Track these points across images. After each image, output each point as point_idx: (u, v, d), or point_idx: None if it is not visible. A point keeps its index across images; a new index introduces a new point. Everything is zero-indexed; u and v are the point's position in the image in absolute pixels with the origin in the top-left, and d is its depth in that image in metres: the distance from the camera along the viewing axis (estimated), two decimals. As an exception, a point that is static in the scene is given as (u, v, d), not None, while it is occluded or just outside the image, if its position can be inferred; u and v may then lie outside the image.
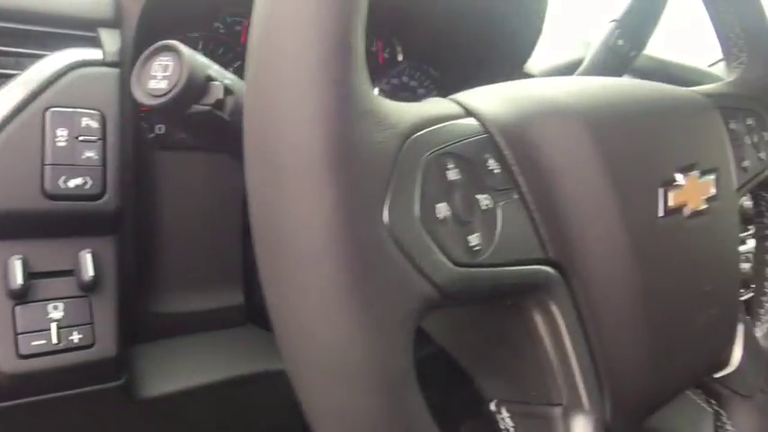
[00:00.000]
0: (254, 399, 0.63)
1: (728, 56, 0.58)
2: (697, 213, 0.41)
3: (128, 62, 0.53)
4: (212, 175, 0.61)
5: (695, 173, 0.42)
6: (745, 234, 0.98)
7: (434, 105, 0.34)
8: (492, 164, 0.32)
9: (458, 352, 0.41)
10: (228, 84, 0.36)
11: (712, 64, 1.71)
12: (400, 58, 0.87)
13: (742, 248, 0.97)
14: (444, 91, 0.89)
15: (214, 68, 0.36)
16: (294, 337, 0.26)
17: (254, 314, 0.64)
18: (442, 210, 0.29)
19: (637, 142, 0.39)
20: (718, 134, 0.48)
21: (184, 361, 0.60)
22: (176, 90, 0.33)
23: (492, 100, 0.36)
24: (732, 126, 0.51)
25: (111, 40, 0.52)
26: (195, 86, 0.34)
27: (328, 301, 0.25)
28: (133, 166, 0.54)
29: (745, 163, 0.51)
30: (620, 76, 0.73)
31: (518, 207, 0.33)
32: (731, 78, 0.57)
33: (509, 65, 0.85)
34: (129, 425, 0.59)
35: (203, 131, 0.36)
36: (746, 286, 0.92)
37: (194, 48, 0.68)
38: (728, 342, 0.48)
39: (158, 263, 0.60)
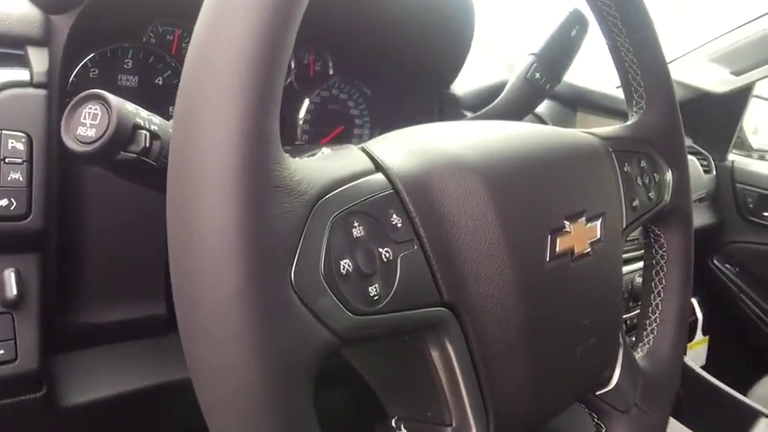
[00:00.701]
0: (175, 406, 0.65)
1: (629, 100, 0.63)
2: (581, 256, 0.46)
3: (55, 81, 0.54)
4: (136, 189, 0.63)
5: (582, 219, 0.47)
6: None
7: (346, 161, 0.37)
8: (395, 218, 0.36)
9: (367, 375, 0.45)
10: (155, 129, 0.38)
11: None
12: (331, 71, 0.90)
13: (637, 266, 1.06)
14: (374, 107, 0.94)
15: (141, 115, 0.38)
16: (208, 380, 0.29)
17: (176, 324, 0.66)
18: (345, 265, 0.32)
19: (530, 192, 0.44)
20: (610, 178, 0.54)
21: (107, 370, 0.62)
22: (104, 139, 0.35)
23: (399, 153, 0.40)
24: (626, 169, 0.57)
25: (39, 60, 0.53)
26: (122, 135, 0.36)
27: (238, 351, 0.28)
28: (59, 184, 0.55)
29: (635, 203, 0.57)
30: (535, 106, 0.78)
31: (417, 256, 0.37)
32: (630, 122, 0.62)
33: (436, 84, 0.89)
34: (51, 433, 0.60)
35: (131, 174, 0.38)
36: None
37: (124, 59, 0.70)
38: (609, 365, 0.54)
39: (83, 275, 0.61)
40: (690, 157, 1.66)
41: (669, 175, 0.62)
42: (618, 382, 0.54)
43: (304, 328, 0.30)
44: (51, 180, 0.52)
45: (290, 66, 0.86)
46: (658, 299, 0.63)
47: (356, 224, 0.34)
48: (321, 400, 0.35)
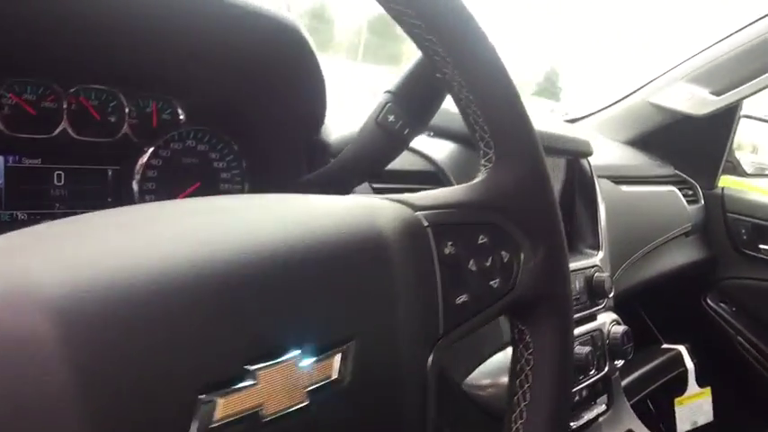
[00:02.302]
0: None
1: (479, 152, 0.48)
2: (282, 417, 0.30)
3: None
4: None
5: (292, 357, 0.31)
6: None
7: None
8: None
9: None
10: None
11: (572, 120, 1.64)
12: (182, 119, 0.76)
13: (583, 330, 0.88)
14: (242, 159, 0.79)
15: None
16: None
17: None
18: None
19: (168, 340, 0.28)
20: (410, 271, 0.38)
21: None
22: None
23: None
24: (448, 250, 0.41)
25: None
26: None
27: None
28: None
29: (463, 298, 0.41)
30: (392, 157, 0.63)
31: None
32: (474, 180, 0.47)
33: (302, 131, 0.74)
34: None
35: None
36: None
37: None
38: None
39: None
40: (670, 187, 1.49)
41: (527, 253, 0.46)
42: None
43: None
44: None
45: (124, 116, 0.72)
46: (519, 421, 0.46)
47: None
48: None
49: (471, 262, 0.43)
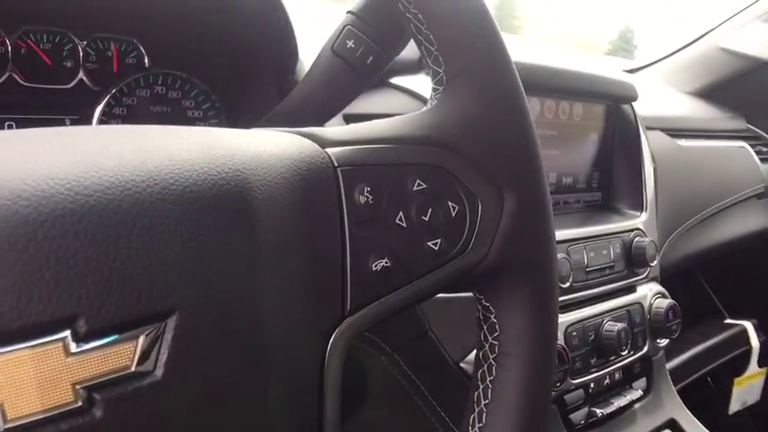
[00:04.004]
0: None
1: (431, 73, 0.37)
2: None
3: None
4: None
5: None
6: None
7: None
8: None
9: None
10: None
11: (633, 70, 1.46)
12: (148, 63, 0.68)
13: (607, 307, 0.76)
14: (217, 105, 0.71)
15: None
16: None
17: None
18: None
19: None
20: (294, 225, 0.28)
21: None
22: None
23: None
24: (362, 198, 0.31)
25: None
26: None
27: None
28: None
29: (382, 263, 0.31)
30: (353, 93, 0.52)
31: None
32: (424, 108, 0.36)
33: (273, 71, 0.65)
34: None
35: None
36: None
37: None
38: None
39: None
40: (740, 143, 1.30)
41: (489, 205, 0.35)
42: None
43: None
44: None
45: (79, 60, 0.64)
46: (478, 424, 0.36)
47: None
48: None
49: (400, 215, 0.32)
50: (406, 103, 0.65)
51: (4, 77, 0.61)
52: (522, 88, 0.37)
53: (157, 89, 0.69)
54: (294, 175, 0.30)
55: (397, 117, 0.35)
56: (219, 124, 0.71)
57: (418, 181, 0.33)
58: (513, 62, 0.36)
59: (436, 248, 0.33)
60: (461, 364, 0.65)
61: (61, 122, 0.65)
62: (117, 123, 0.67)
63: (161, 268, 0.23)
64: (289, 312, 0.28)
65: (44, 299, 0.21)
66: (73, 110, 0.65)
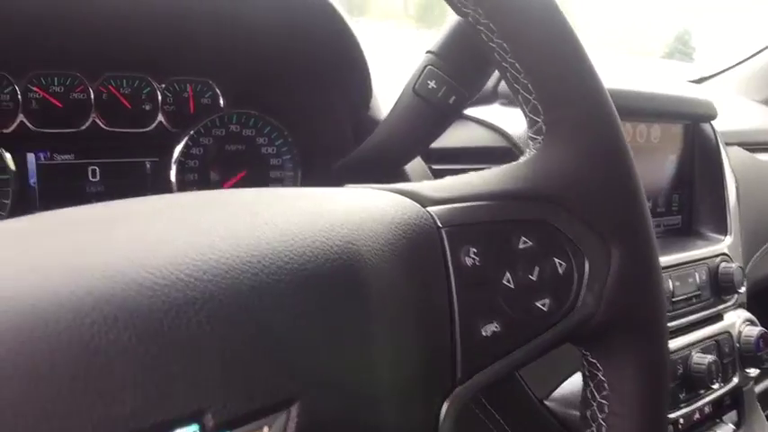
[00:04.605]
0: None
1: (527, 122, 0.36)
2: None
3: None
4: None
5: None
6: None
7: None
8: None
9: None
10: None
11: (700, 80, 1.39)
12: (222, 103, 0.69)
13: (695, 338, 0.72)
14: (293, 142, 0.71)
15: None
16: None
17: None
18: None
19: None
20: (403, 295, 0.28)
21: None
22: None
23: None
24: (469, 260, 0.30)
25: None
26: None
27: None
28: None
29: (492, 327, 0.30)
30: (436, 133, 0.51)
31: None
32: (521, 159, 0.35)
33: (348, 106, 0.65)
34: None
35: None
36: None
37: None
38: None
39: None
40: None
41: (596, 260, 0.33)
42: None
43: None
44: None
45: (157, 103, 0.66)
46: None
47: None
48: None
49: (507, 275, 0.31)
50: (483, 135, 0.64)
51: (87, 123, 0.63)
52: (624, 135, 0.35)
53: (232, 128, 0.69)
54: (400, 239, 0.29)
55: (494, 169, 0.34)
56: (293, 159, 0.72)
57: (523, 238, 0.32)
58: (614, 107, 0.35)
59: (545, 309, 0.32)
60: (546, 402, 0.63)
61: (141, 165, 0.66)
62: (194, 163, 0.68)
63: (281, 353, 0.23)
64: (402, 386, 0.27)
65: (173, 394, 0.21)
66: (152, 152, 0.66)
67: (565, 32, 0.33)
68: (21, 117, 0.60)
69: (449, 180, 0.33)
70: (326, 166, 0.69)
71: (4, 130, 0.60)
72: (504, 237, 0.32)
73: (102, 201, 0.64)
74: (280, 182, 0.72)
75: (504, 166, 0.34)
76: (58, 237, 0.23)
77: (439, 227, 0.30)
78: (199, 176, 0.68)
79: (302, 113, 0.69)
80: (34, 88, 0.61)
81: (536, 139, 0.34)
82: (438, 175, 0.63)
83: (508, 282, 0.31)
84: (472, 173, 0.34)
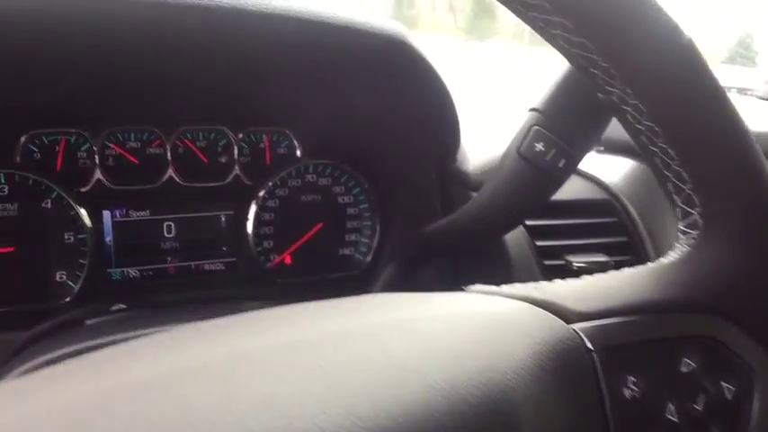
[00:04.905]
0: None
1: (674, 211, 0.31)
2: None
3: None
4: None
5: None
6: None
7: None
8: None
9: None
10: None
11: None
12: (299, 153, 0.66)
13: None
14: (370, 191, 0.68)
15: None
16: None
17: None
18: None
19: None
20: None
21: None
22: None
23: None
24: (629, 392, 0.26)
25: None
26: None
27: None
28: None
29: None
30: (543, 198, 0.46)
31: None
32: (675, 257, 0.30)
33: (434, 158, 0.61)
34: None
35: None
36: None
37: None
38: None
39: None
40: None
41: (765, 381, 0.28)
42: None
43: None
44: None
45: (233, 155, 0.63)
46: None
47: None
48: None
49: (669, 407, 0.27)
50: (578, 186, 0.59)
51: (164, 179, 0.61)
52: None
53: (308, 178, 0.66)
54: (548, 371, 0.25)
55: (640, 270, 0.30)
56: (371, 208, 0.68)
57: (685, 360, 0.27)
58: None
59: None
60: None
61: (217, 219, 0.64)
62: (270, 216, 0.65)
63: None
64: None
65: None
66: (227, 206, 0.64)
67: (728, 117, 0.28)
68: (98, 174, 0.59)
69: (591, 284, 0.29)
70: (405, 219, 0.66)
71: (82, 189, 0.58)
72: (666, 359, 0.27)
73: (177, 257, 0.63)
74: (357, 232, 0.69)
75: (652, 265, 0.30)
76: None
77: (590, 349, 0.26)
78: (275, 230, 0.66)
79: (381, 161, 0.66)
80: (111, 145, 0.59)
81: (689, 233, 0.30)
82: (531, 232, 0.59)
83: (672, 415, 0.27)
84: (614, 273, 0.30)
